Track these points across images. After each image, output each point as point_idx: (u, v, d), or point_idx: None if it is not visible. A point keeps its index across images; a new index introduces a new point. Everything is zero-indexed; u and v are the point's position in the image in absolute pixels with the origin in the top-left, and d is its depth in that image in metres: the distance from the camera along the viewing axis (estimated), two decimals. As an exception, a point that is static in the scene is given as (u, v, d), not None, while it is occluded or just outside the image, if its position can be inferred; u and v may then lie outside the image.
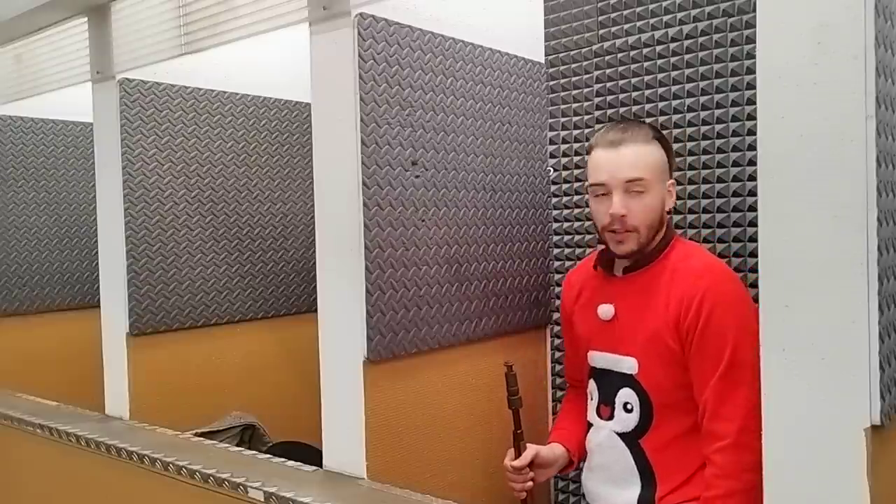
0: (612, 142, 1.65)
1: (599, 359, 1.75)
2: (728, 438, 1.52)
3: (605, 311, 1.73)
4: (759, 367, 1.13)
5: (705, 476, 1.58)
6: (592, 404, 1.78)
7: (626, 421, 1.69)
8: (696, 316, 1.57)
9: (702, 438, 1.59)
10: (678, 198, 1.91)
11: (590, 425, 1.79)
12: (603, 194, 1.65)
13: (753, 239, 1.80)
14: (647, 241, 1.66)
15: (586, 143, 2.10)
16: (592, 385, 1.78)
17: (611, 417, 1.71)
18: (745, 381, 1.51)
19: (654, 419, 1.66)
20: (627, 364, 1.68)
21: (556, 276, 2.19)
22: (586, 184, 1.73)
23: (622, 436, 1.69)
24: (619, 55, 2.02)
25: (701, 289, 1.59)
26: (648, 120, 1.95)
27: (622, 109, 2.02)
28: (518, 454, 1.85)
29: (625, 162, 1.62)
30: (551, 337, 2.22)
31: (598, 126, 2.07)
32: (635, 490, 1.68)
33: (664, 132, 1.77)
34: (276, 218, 2.67)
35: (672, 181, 1.69)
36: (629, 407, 1.68)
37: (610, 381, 1.72)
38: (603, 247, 1.77)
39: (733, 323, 1.55)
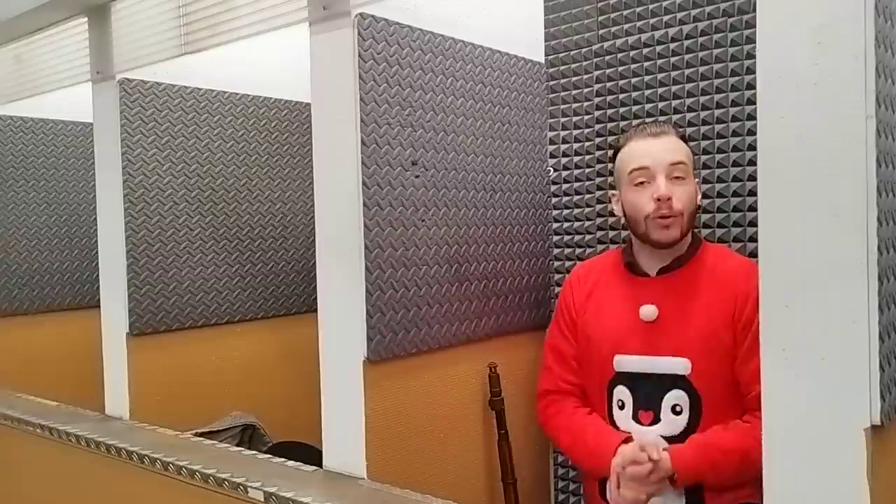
0: (652, 133, 1.70)
1: (634, 363, 1.69)
2: None
3: (649, 311, 1.69)
4: None
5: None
6: (626, 413, 1.70)
7: (675, 423, 1.64)
8: (753, 311, 1.57)
9: (755, 400, 1.55)
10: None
11: None
12: (643, 182, 1.66)
13: (753, 239, 1.80)
14: (687, 231, 1.68)
15: (587, 144, 2.10)
16: (622, 392, 1.71)
17: (655, 422, 1.66)
18: None
19: (703, 420, 1.63)
20: (679, 365, 1.64)
21: (556, 276, 2.19)
22: (624, 173, 1.70)
23: (670, 439, 1.64)
24: (619, 55, 2.02)
25: (755, 286, 1.59)
26: (648, 120, 1.96)
27: (622, 109, 2.02)
28: (502, 455, 1.84)
29: (668, 147, 1.67)
30: (551, 337, 2.21)
31: (598, 126, 2.08)
32: (680, 500, 1.62)
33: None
34: (276, 218, 2.67)
35: (698, 181, 1.73)
36: (678, 409, 1.64)
37: (651, 385, 1.67)
38: (619, 248, 1.80)
39: None
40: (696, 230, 1.77)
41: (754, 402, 1.58)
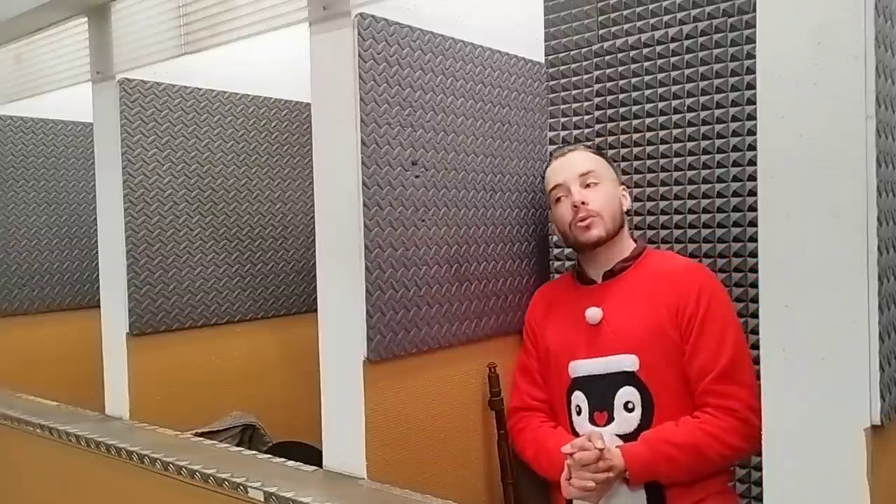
0: (561, 154, 1.89)
1: (586, 366, 1.76)
2: (741, 407, 1.60)
3: (594, 313, 1.76)
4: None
5: (703, 415, 1.63)
6: (582, 417, 1.75)
7: (628, 421, 1.69)
8: (696, 306, 1.67)
9: (704, 395, 1.64)
10: (677, 198, 1.94)
11: None
12: (562, 196, 1.81)
13: (753, 239, 1.81)
14: (612, 231, 1.78)
15: (587, 144, 2.10)
16: (578, 397, 1.76)
17: (609, 421, 1.70)
18: (748, 362, 1.65)
19: (656, 416, 1.67)
20: (627, 362, 1.69)
21: (556, 277, 2.18)
22: (548, 195, 1.88)
23: (625, 438, 1.68)
24: (619, 55, 2.02)
25: (696, 283, 1.70)
26: (648, 120, 1.98)
27: (622, 109, 2.02)
28: (502, 455, 1.85)
29: (576, 160, 1.84)
30: (551, 337, 2.21)
31: (598, 126, 2.08)
32: (640, 498, 1.65)
33: (663, 132, 1.96)
34: (276, 218, 2.67)
35: (624, 187, 1.87)
36: (630, 406, 1.69)
37: (603, 386, 1.72)
38: (571, 267, 1.91)
39: (729, 311, 1.70)
40: (636, 236, 1.89)
41: (703, 397, 1.64)
